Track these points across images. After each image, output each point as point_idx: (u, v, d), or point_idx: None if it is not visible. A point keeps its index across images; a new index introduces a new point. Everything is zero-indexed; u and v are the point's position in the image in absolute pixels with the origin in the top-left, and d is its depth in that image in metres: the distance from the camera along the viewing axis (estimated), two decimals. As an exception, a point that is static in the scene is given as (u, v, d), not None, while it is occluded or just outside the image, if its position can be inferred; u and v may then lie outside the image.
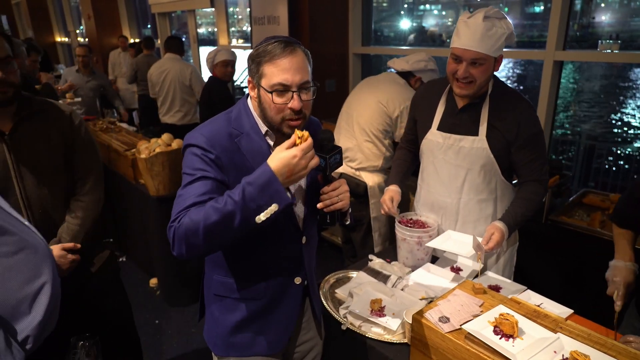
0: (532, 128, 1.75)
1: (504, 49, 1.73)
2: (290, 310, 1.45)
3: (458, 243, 1.76)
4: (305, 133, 1.15)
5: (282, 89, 1.21)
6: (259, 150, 1.28)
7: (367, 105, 2.75)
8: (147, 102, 5.54)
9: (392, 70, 2.87)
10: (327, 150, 1.25)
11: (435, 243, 1.78)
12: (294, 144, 1.14)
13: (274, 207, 1.11)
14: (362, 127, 2.76)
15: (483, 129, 1.77)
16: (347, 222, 1.40)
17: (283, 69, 1.19)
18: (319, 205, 1.28)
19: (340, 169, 2.86)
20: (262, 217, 1.11)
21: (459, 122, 1.83)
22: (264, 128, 1.30)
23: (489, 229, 1.72)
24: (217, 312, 1.44)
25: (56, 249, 1.65)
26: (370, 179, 2.80)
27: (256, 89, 1.26)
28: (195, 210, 1.14)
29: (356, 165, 2.83)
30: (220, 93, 3.97)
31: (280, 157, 1.12)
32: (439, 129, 1.88)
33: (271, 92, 1.21)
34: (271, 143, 1.31)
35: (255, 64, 1.24)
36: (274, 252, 1.38)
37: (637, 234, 1.66)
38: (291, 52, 1.20)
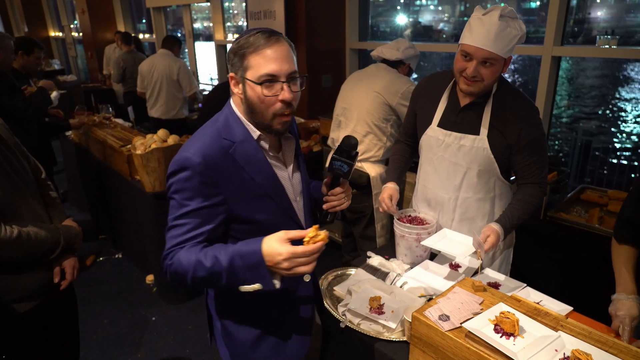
0: (535, 132, 1.72)
1: None
2: (304, 312, 1.44)
3: (453, 242, 1.74)
4: (321, 235, 1.09)
5: (271, 80, 1.15)
6: (255, 159, 1.23)
7: (366, 96, 2.75)
8: (132, 99, 5.51)
9: (377, 60, 2.87)
10: (353, 157, 1.28)
11: (430, 242, 1.75)
12: (300, 239, 1.08)
13: (257, 286, 1.10)
14: (362, 118, 2.76)
15: (485, 129, 1.75)
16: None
17: (270, 59, 1.14)
18: (325, 206, 1.30)
19: None
20: (246, 288, 1.11)
21: (461, 120, 1.81)
22: (255, 133, 1.24)
23: (484, 231, 1.70)
24: (230, 329, 1.38)
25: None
26: (373, 170, 2.81)
27: (241, 84, 1.19)
28: (184, 253, 1.14)
29: (358, 157, 2.82)
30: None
31: (270, 246, 1.07)
32: (439, 125, 1.86)
33: (260, 84, 1.15)
34: (266, 147, 1.26)
35: (238, 57, 1.17)
36: None
37: (638, 253, 1.58)
38: (276, 41, 1.15)
